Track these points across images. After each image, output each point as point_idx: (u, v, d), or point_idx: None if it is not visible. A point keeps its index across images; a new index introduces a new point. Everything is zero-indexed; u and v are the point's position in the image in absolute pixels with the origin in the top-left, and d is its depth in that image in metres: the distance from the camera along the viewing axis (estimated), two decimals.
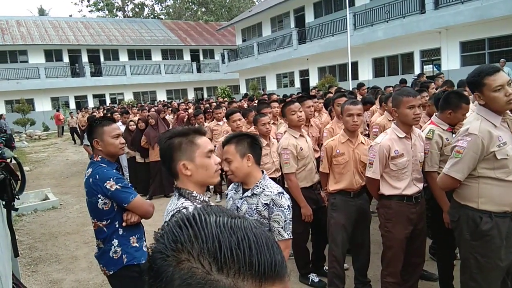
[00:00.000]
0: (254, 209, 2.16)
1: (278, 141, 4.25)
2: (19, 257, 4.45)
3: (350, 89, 11.04)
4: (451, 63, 15.45)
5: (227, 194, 2.46)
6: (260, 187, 2.18)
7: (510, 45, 13.89)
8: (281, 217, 2.12)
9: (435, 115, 3.20)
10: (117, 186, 2.39)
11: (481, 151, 2.32)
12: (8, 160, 2.72)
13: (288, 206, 2.15)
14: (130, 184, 2.57)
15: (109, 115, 9.03)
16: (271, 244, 0.54)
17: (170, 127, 8.93)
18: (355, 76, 19.04)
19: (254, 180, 2.20)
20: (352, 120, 3.23)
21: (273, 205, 2.12)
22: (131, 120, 8.41)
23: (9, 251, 2.34)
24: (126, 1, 45.50)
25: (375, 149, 2.94)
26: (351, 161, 3.32)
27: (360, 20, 18.60)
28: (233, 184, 2.38)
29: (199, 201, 1.74)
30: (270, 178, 4.12)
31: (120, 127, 5.13)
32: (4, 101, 26.99)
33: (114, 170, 2.51)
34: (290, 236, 2.16)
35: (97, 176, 2.42)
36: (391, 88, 7.19)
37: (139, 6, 46.41)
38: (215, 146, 4.24)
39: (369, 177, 3.01)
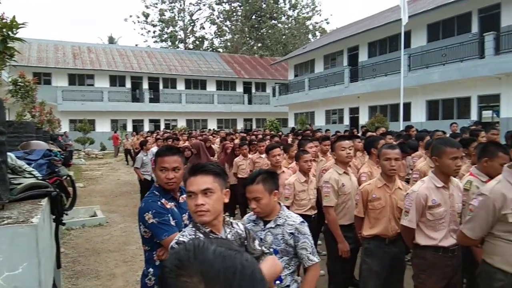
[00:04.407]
0: (281, 239, 2.28)
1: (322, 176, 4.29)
2: (62, 270, 4.73)
3: (400, 130, 10.82)
4: None
5: None
6: (282, 218, 2.31)
7: None
8: (308, 244, 2.27)
9: (475, 167, 3.11)
10: (154, 220, 2.39)
11: (493, 212, 2.28)
12: (64, 178, 2.98)
13: (309, 233, 2.33)
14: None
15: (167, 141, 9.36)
16: (255, 276, 0.67)
17: (215, 156, 9.21)
18: (407, 117, 18.58)
19: (276, 211, 2.32)
20: (390, 164, 3.20)
21: (298, 234, 2.27)
22: (180, 147, 8.79)
23: (52, 262, 2.54)
24: (188, 34, 48.24)
25: (411, 197, 2.89)
26: (387, 207, 3.27)
27: (416, 61, 18.36)
28: (249, 216, 2.44)
29: (202, 231, 1.83)
30: (305, 214, 4.17)
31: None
32: (69, 120, 29.07)
33: (160, 202, 2.47)
34: (319, 259, 2.33)
35: (143, 204, 2.51)
36: (440, 133, 6.98)
37: (200, 39, 48.96)
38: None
39: (405, 226, 2.95)
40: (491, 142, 3.40)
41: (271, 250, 2.21)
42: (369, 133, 9.61)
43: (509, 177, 2.30)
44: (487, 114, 16.37)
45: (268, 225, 2.31)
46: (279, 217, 2.30)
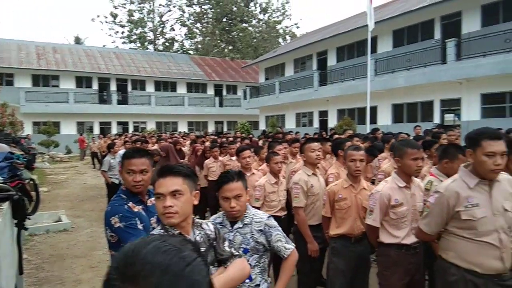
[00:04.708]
0: (250, 237, 2.26)
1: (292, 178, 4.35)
2: (25, 276, 4.56)
3: (367, 133, 11.11)
4: (472, 114, 15.39)
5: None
6: (249, 217, 2.30)
7: None
8: (281, 235, 2.30)
9: (435, 167, 3.26)
10: (120, 224, 2.31)
11: (447, 209, 2.40)
12: (26, 181, 2.89)
13: (278, 225, 2.36)
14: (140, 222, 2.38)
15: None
16: (182, 274, 0.66)
17: (186, 158, 9.14)
18: (373, 120, 19.08)
19: (243, 211, 2.32)
20: (355, 165, 3.31)
21: (268, 229, 2.28)
22: (149, 150, 8.64)
23: (14, 268, 2.46)
24: (158, 36, 47.57)
25: (375, 197, 2.99)
26: (353, 207, 3.37)
27: (382, 66, 18.92)
28: (214, 219, 2.38)
29: (170, 234, 1.81)
30: (275, 215, 4.23)
31: None
32: (32, 122, 27.98)
33: (127, 206, 2.39)
34: (294, 245, 2.35)
35: (109, 208, 2.42)
36: (404, 135, 7.23)
37: (170, 40, 48.38)
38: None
39: (369, 225, 3.05)
40: (451, 144, 3.57)
41: (241, 250, 2.22)
42: (336, 136, 9.83)
43: (464, 177, 2.43)
44: (449, 117, 17.07)
45: (235, 226, 2.29)
46: (246, 216, 2.29)
